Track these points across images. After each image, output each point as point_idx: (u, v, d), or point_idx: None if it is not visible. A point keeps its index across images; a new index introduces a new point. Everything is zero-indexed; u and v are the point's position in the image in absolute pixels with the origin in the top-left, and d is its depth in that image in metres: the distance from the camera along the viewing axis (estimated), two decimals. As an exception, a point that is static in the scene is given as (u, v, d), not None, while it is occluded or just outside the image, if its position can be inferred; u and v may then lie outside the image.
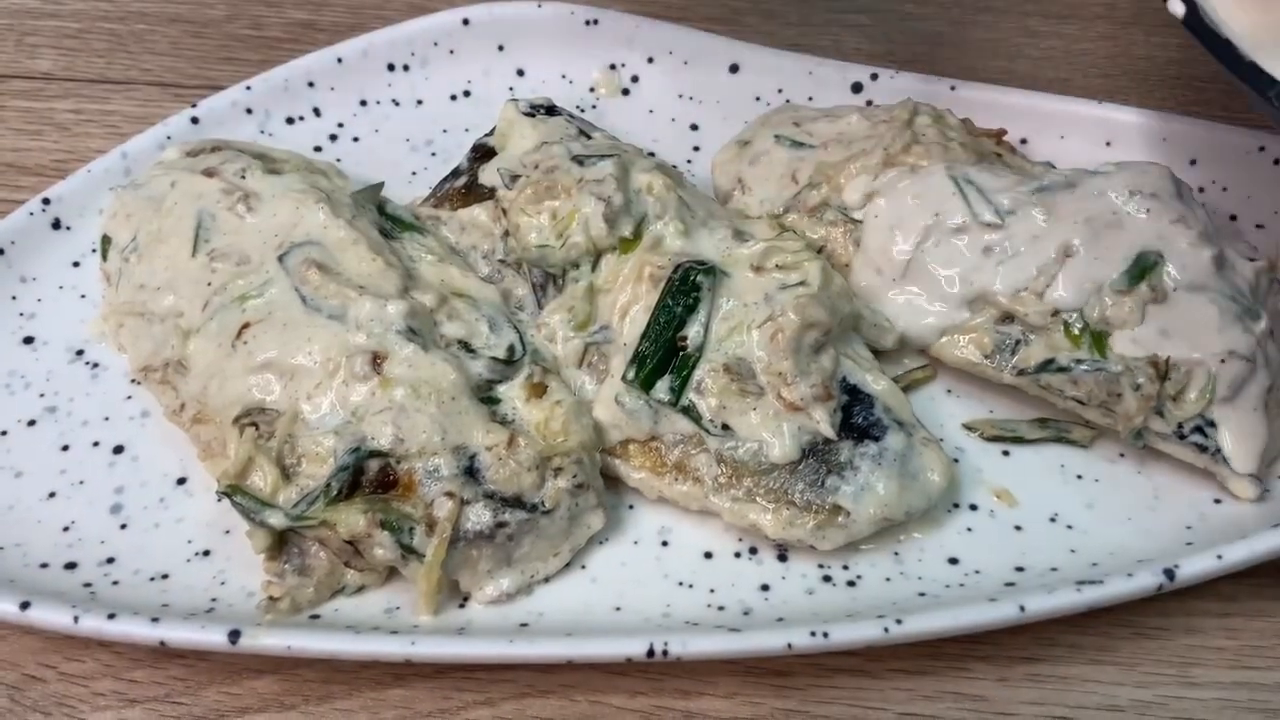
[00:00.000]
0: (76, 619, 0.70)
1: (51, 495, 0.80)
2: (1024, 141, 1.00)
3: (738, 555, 0.79)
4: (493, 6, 1.07)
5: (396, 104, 1.06)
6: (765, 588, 0.77)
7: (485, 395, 0.79)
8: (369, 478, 0.74)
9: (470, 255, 0.89)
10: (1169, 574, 0.72)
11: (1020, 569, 0.77)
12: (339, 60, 1.05)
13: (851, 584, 0.77)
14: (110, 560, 0.77)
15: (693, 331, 0.80)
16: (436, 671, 0.75)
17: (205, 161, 0.90)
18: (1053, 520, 0.81)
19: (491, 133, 0.96)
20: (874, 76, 1.03)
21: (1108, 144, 0.98)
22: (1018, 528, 0.80)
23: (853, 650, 0.74)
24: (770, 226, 0.89)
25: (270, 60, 1.08)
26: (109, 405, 0.86)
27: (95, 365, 0.88)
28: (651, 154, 0.99)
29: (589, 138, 0.92)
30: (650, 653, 0.69)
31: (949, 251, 0.84)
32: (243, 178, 0.88)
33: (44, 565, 0.76)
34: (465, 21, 1.07)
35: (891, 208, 0.86)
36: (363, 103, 1.06)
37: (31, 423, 0.84)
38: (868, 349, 0.85)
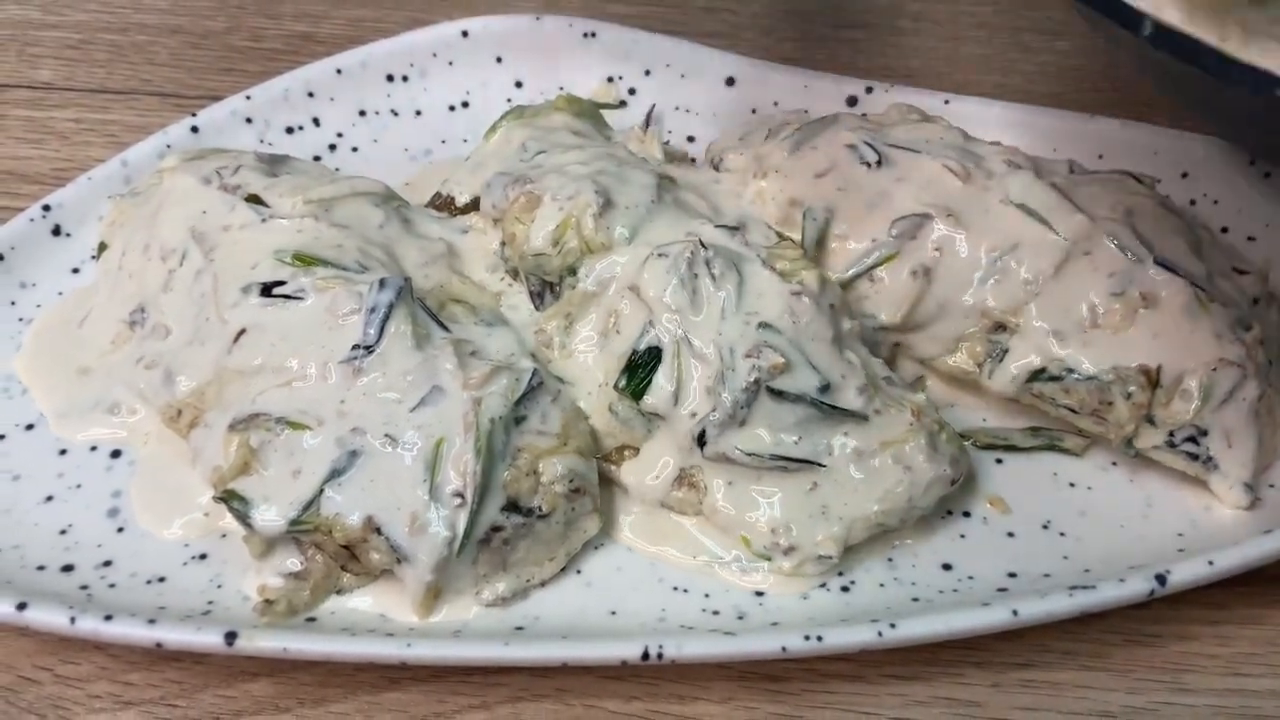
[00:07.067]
0: (73, 620, 0.70)
1: (49, 499, 0.81)
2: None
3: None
4: (491, 19, 1.08)
5: (395, 114, 1.07)
6: (760, 593, 0.77)
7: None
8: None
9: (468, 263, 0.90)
10: (1160, 579, 0.73)
11: (1013, 575, 0.78)
12: (338, 71, 1.06)
13: (846, 589, 0.77)
14: (107, 563, 0.77)
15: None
16: (432, 675, 0.75)
17: (203, 169, 0.91)
18: (1045, 527, 0.81)
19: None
20: (869, 90, 1.04)
21: (1100, 157, 0.99)
22: (1010, 535, 0.81)
23: (847, 655, 0.75)
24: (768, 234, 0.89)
25: (270, 71, 1.09)
26: (107, 410, 0.86)
27: (93, 370, 0.88)
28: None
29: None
30: (645, 655, 0.70)
31: (938, 264, 0.85)
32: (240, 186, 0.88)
33: (41, 568, 0.76)
34: (464, 34, 1.08)
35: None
36: (361, 113, 1.06)
37: (30, 426, 0.84)
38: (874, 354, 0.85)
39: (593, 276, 0.83)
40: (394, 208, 0.91)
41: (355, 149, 1.05)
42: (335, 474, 0.74)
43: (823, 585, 0.77)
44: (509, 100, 1.07)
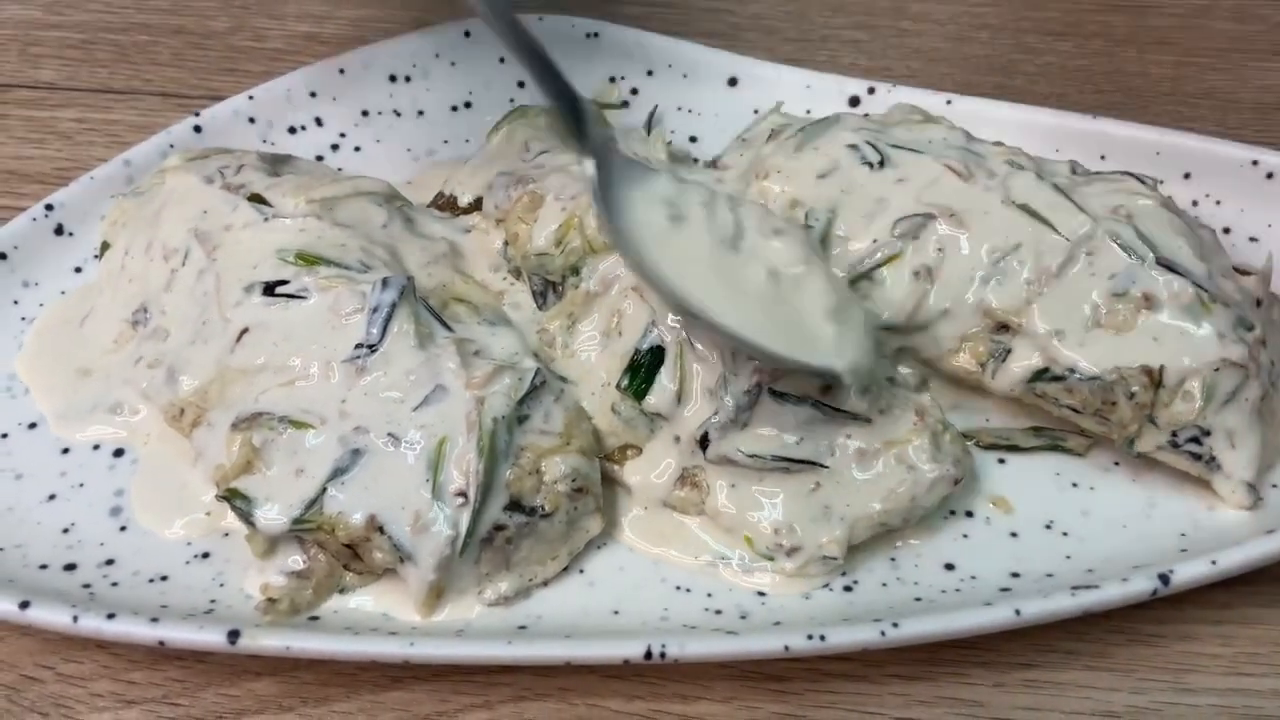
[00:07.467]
0: (76, 619, 0.70)
1: (51, 497, 0.81)
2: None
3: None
4: (494, 19, 1.08)
5: (398, 114, 1.07)
6: (762, 593, 0.77)
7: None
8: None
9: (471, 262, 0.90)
10: (1163, 579, 0.73)
11: (1016, 575, 0.78)
12: (341, 71, 1.06)
13: (848, 589, 0.77)
14: (109, 562, 0.77)
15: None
16: (434, 674, 0.75)
17: (206, 169, 0.91)
18: (1048, 527, 0.81)
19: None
20: (871, 90, 1.04)
21: (1102, 158, 0.99)
22: (1013, 534, 0.81)
23: (850, 655, 0.75)
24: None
25: (272, 72, 1.09)
26: (109, 409, 0.86)
27: (96, 369, 0.88)
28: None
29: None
30: (648, 654, 0.70)
31: (941, 262, 0.85)
32: (243, 186, 0.88)
33: (43, 566, 0.76)
34: (466, 34, 1.08)
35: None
36: (364, 113, 1.06)
37: (32, 425, 0.85)
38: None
39: (595, 276, 0.83)
40: (397, 207, 0.91)
41: (358, 149, 1.05)
42: (338, 473, 0.74)
43: (825, 585, 0.77)
44: (511, 100, 1.07)
